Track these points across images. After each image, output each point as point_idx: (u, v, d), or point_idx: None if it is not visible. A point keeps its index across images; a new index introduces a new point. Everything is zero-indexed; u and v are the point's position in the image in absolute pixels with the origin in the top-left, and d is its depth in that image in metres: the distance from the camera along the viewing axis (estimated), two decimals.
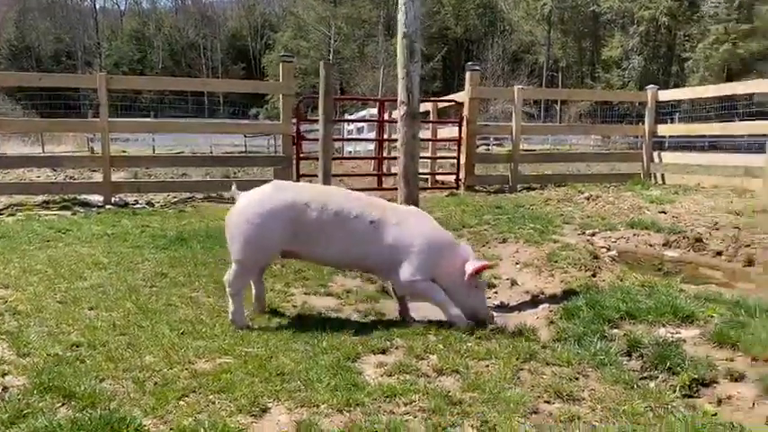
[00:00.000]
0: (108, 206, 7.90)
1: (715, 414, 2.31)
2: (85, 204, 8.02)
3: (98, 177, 9.13)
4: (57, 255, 4.85)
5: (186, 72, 54.96)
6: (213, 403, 2.25)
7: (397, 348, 2.91)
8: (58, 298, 3.64)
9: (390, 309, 3.64)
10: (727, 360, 2.89)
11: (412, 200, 4.03)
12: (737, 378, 2.72)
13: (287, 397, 2.32)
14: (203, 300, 3.70)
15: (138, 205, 8.21)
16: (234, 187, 3.42)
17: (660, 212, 6.87)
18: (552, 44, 51.12)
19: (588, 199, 8.29)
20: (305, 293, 3.89)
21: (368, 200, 3.46)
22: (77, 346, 2.82)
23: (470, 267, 3.26)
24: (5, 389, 2.35)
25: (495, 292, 4.19)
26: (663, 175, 10.55)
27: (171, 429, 2.06)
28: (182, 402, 2.26)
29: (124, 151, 19.80)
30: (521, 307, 3.86)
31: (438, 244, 3.34)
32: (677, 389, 2.52)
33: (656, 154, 10.89)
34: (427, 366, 2.68)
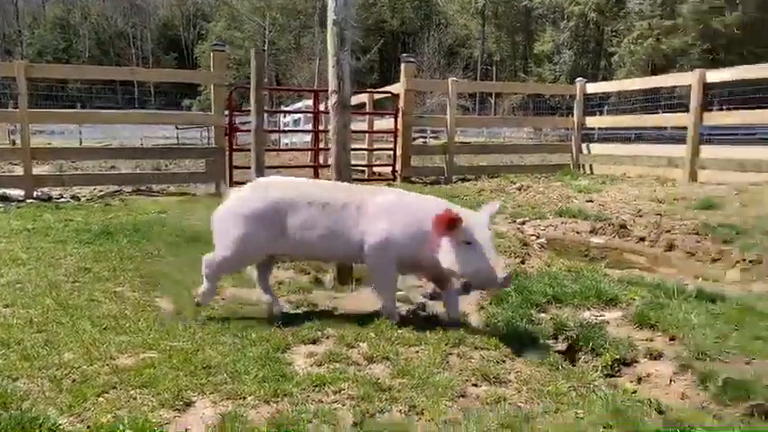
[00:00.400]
0: (30, 200, 7.53)
1: (635, 391, 2.39)
2: (5, 199, 7.61)
3: (20, 171, 8.69)
4: None
5: (115, 62, 52.95)
6: (134, 399, 2.18)
7: (328, 338, 2.88)
8: None
9: (323, 299, 3.62)
10: (647, 340, 3.01)
11: None
12: (656, 357, 2.85)
13: (212, 390, 2.27)
14: (128, 294, 3.57)
15: (63, 199, 7.86)
16: (223, 186, 3.50)
17: (587, 201, 7.10)
18: (486, 38, 52.00)
19: (520, 189, 8.50)
20: (235, 286, 3.81)
21: (349, 187, 3.42)
22: None
23: (433, 223, 2.94)
24: None
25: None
26: (591, 166, 10.90)
27: (88, 427, 1.98)
28: (101, 399, 2.17)
29: (49, 143, 18.94)
30: None
31: (403, 225, 3.09)
32: (600, 369, 2.60)
33: (584, 145, 11.23)
34: (358, 354, 2.67)
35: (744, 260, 4.40)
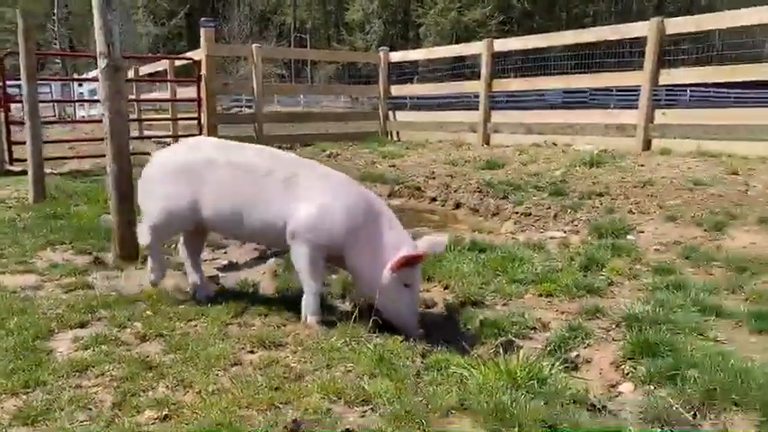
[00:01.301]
0: None
1: (402, 341, 2.53)
2: None
3: None
4: None
5: None
6: None
7: (99, 320, 2.71)
8: None
9: (101, 280, 3.37)
10: (424, 291, 3.22)
11: (122, 160, 3.72)
12: (431, 306, 3.06)
13: None
14: None
15: None
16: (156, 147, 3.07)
17: (390, 166, 7.39)
18: (298, 5, 51.37)
19: (329, 157, 8.66)
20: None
21: (287, 157, 2.96)
22: None
23: (396, 258, 2.62)
24: None
25: (225, 252, 4.14)
26: (398, 133, 11.36)
27: None
28: None
29: None
30: (250, 264, 3.87)
31: (350, 215, 2.69)
32: (374, 322, 2.71)
33: (391, 113, 11.64)
34: (129, 334, 2.54)
35: (516, 213, 4.85)
